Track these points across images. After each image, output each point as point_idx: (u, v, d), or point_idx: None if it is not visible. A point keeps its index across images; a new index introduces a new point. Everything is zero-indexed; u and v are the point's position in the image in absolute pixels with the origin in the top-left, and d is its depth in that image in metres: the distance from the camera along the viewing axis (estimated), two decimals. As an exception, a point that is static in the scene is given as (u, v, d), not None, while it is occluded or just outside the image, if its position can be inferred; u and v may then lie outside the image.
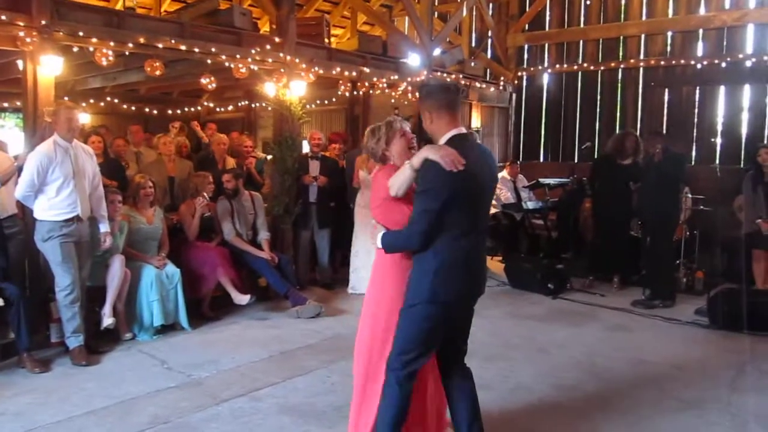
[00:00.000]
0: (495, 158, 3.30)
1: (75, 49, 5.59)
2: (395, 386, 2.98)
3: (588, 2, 10.45)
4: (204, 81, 6.65)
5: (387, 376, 3.04)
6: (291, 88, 6.88)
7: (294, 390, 4.33)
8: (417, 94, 3.20)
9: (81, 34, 5.28)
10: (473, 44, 11.13)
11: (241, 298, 5.98)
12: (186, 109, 11.52)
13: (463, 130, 3.03)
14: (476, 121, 9.86)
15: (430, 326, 2.95)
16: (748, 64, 8.99)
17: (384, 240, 3.06)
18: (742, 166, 8.83)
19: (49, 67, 5.05)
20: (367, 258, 6.31)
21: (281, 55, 6.80)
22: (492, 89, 10.49)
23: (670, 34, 9.68)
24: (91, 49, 5.46)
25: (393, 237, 3.05)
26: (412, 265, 3.03)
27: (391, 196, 3.05)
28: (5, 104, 10.50)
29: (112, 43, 5.51)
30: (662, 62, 9.68)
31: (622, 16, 10.18)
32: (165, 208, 6.36)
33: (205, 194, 6.08)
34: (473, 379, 3.20)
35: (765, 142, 8.67)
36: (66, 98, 7.54)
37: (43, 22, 4.98)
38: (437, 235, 2.88)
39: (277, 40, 6.86)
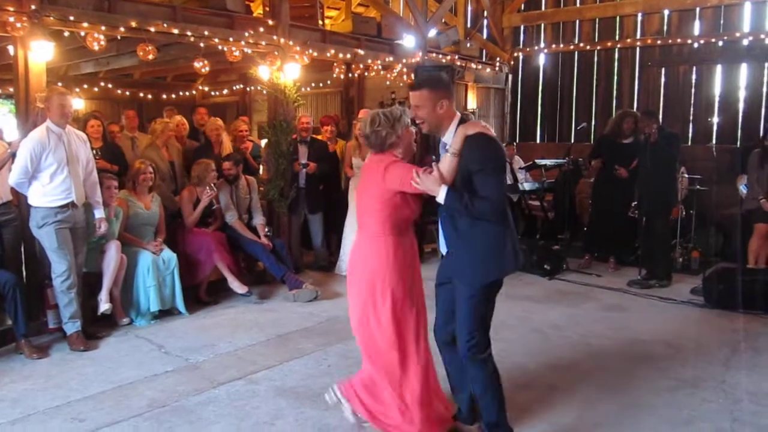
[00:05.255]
0: None
1: (66, 34, 5.54)
2: (488, 365, 3.15)
3: (584, -19, 10.36)
4: (197, 65, 6.60)
5: (471, 364, 3.14)
6: (285, 71, 6.84)
7: (290, 373, 4.36)
8: (422, 80, 3.23)
9: (71, 18, 5.22)
10: (468, 25, 11.03)
11: (239, 288, 6.00)
12: (180, 94, 11.50)
13: (469, 112, 3.16)
14: (472, 103, 9.81)
15: (493, 299, 3.16)
16: (745, 42, 8.93)
17: (449, 197, 2.96)
18: (738, 145, 8.81)
19: (40, 53, 5.01)
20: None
21: (275, 37, 6.75)
22: (488, 70, 10.43)
23: (666, 12, 9.59)
24: (83, 33, 5.40)
25: (463, 203, 2.95)
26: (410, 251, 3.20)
27: (398, 188, 3.09)
28: (-2, 91, 10.46)
29: (103, 28, 5.46)
30: (659, 41, 9.61)
31: (619, -6, 10.10)
32: (173, 193, 6.37)
33: (212, 184, 6.08)
34: None
35: (762, 121, 8.67)
36: (59, 84, 7.56)
37: (33, 7, 4.92)
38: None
39: (270, 22, 6.81)
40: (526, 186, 8.67)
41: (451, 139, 3.06)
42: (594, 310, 5.93)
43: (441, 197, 2.97)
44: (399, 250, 3.19)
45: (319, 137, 7.59)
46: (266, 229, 6.46)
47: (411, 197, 3.15)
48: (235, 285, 6.02)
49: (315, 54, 7.29)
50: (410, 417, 3.23)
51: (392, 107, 3.34)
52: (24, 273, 5.18)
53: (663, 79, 9.68)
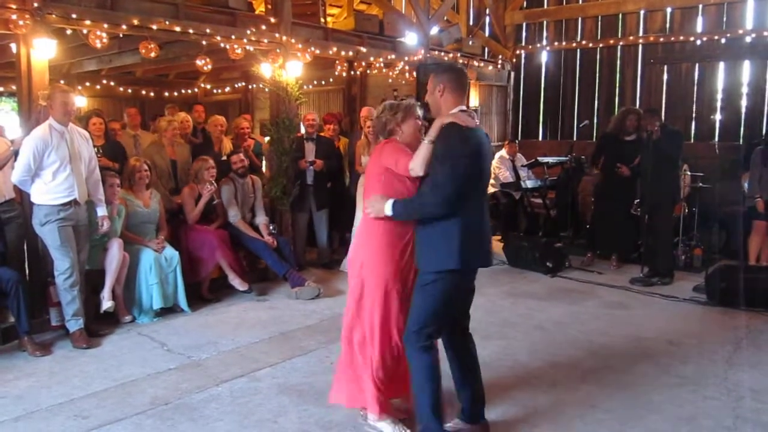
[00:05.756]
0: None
1: (68, 32, 5.56)
2: (424, 357, 3.14)
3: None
4: (200, 62, 6.60)
5: (410, 353, 3.17)
6: (287, 69, 6.83)
7: (293, 370, 4.37)
8: (430, 70, 3.42)
9: (74, 16, 5.22)
10: (471, 22, 11.02)
11: (240, 285, 6.01)
12: (182, 91, 11.50)
13: (465, 107, 3.21)
14: (474, 100, 9.80)
15: (452, 295, 3.14)
16: (748, 39, 8.90)
17: (397, 207, 3.14)
18: (741, 142, 8.79)
19: (42, 51, 5.01)
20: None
21: (277, 35, 6.74)
22: (490, 68, 10.42)
23: (669, 10, 9.57)
24: (85, 31, 5.41)
25: (411, 204, 3.15)
26: (406, 238, 3.24)
27: (391, 167, 3.21)
28: (1, 88, 10.46)
29: (105, 25, 5.46)
30: (661, 39, 9.59)
31: (621, -8, 10.08)
32: (170, 192, 6.38)
33: (212, 180, 6.09)
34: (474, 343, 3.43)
35: (765, 118, 8.64)
36: (61, 81, 7.56)
37: (36, 5, 4.92)
38: (460, 201, 3.03)
39: (272, 20, 6.80)
40: (529, 183, 8.67)
41: None
42: (596, 307, 5.92)
43: (388, 211, 3.13)
44: (392, 231, 3.25)
45: (322, 134, 7.60)
46: (270, 227, 6.48)
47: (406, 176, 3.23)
48: (236, 282, 6.03)
49: (317, 51, 7.29)
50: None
51: (402, 100, 3.49)
52: (27, 270, 5.19)
53: (666, 77, 9.66)
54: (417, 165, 3.09)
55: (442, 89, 3.19)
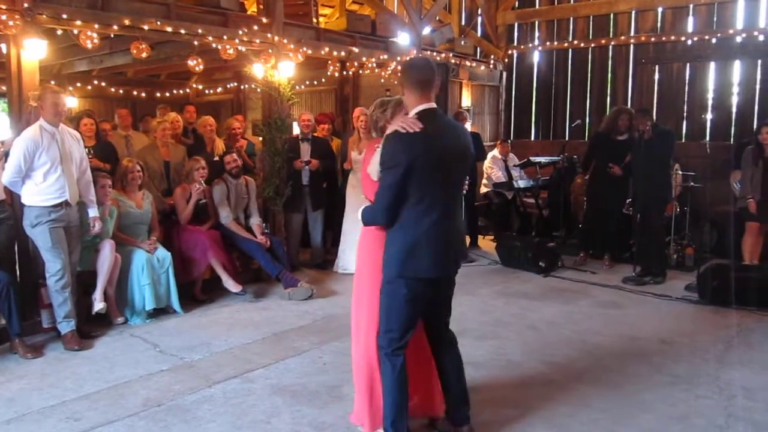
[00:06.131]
0: (468, 134, 3.30)
1: (59, 32, 5.52)
2: (387, 363, 3.06)
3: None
4: (191, 63, 6.58)
5: (379, 356, 3.10)
6: (279, 69, 6.82)
7: (286, 371, 4.35)
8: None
9: (65, 16, 5.19)
10: (463, 22, 11.04)
11: (233, 287, 5.99)
12: (174, 92, 11.46)
13: (433, 105, 3.07)
14: (467, 100, 9.81)
15: (407, 302, 3.01)
16: (738, 39, 8.95)
17: (363, 214, 3.16)
18: (732, 141, 8.84)
19: (32, 51, 4.97)
20: (357, 238, 6.30)
21: (269, 35, 6.73)
22: (482, 68, 10.43)
23: (660, 10, 9.61)
24: (76, 31, 5.38)
25: (368, 211, 3.14)
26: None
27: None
28: (-9, 89, 10.39)
29: (96, 26, 5.43)
30: (653, 39, 9.63)
31: (613, -8, 10.11)
32: (162, 193, 6.36)
33: (201, 180, 6.07)
34: (457, 345, 3.32)
35: (755, 117, 8.67)
36: (52, 82, 7.52)
37: (26, 5, 4.88)
38: (405, 209, 2.94)
39: (264, 20, 6.79)
40: (521, 183, 8.69)
41: None
42: (589, 307, 5.94)
43: (359, 218, 3.17)
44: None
45: (317, 134, 7.60)
46: (263, 227, 6.47)
47: None
48: (230, 284, 6.01)
49: (309, 52, 7.28)
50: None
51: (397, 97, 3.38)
52: (18, 272, 5.15)
53: (657, 76, 9.70)
54: (372, 171, 3.09)
55: (403, 91, 3.09)
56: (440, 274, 3.06)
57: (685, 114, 9.51)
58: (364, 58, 8.11)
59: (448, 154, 3.00)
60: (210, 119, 7.21)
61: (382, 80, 9.04)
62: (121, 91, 10.71)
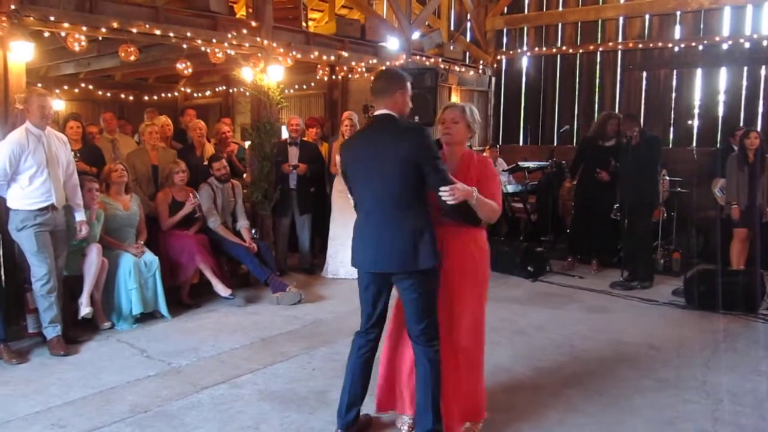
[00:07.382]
0: (414, 138, 3.13)
1: (46, 35, 5.47)
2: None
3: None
4: (180, 66, 6.56)
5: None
6: (268, 73, 6.81)
7: (275, 376, 4.33)
8: None
9: (52, 18, 5.16)
10: (452, 27, 11.08)
11: (222, 291, 5.95)
12: (162, 95, 11.42)
13: (383, 112, 3.25)
14: (456, 105, 9.82)
15: (360, 289, 3.33)
16: (725, 46, 9.05)
17: None
18: (718, 146, 8.91)
19: (19, 54, 4.94)
20: (345, 242, 6.29)
21: (258, 39, 6.72)
22: (471, 73, 10.47)
23: (648, 16, 9.70)
24: (63, 34, 5.34)
25: None
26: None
27: None
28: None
29: (84, 28, 5.41)
30: (640, 45, 9.72)
31: (601, -1, 10.20)
32: (150, 197, 6.31)
33: (196, 193, 6.05)
34: (427, 359, 3.16)
35: (741, 123, 8.75)
36: (39, 85, 7.47)
37: (13, 7, 4.85)
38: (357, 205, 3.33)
39: (253, 24, 6.78)
40: (510, 188, 8.72)
41: None
42: (577, 311, 5.96)
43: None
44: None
45: (306, 139, 7.58)
46: (252, 231, 6.44)
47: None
48: (219, 288, 5.97)
49: (298, 56, 7.28)
50: None
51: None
52: (3, 277, 5.08)
53: (644, 83, 9.78)
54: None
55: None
56: (367, 268, 3.25)
57: (672, 120, 9.59)
58: (353, 63, 8.13)
59: (371, 161, 3.15)
60: (200, 123, 7.18)
61: (371, 85, 9.03)
62: (108, 95, 10.67)
